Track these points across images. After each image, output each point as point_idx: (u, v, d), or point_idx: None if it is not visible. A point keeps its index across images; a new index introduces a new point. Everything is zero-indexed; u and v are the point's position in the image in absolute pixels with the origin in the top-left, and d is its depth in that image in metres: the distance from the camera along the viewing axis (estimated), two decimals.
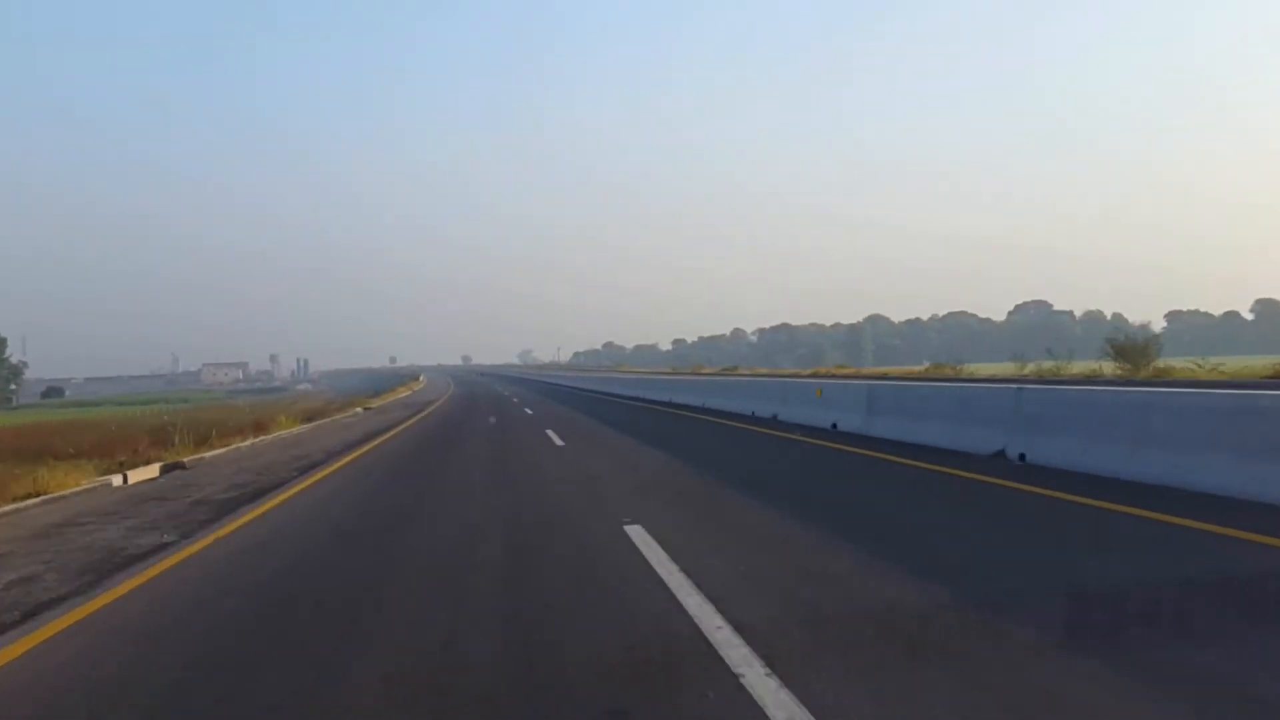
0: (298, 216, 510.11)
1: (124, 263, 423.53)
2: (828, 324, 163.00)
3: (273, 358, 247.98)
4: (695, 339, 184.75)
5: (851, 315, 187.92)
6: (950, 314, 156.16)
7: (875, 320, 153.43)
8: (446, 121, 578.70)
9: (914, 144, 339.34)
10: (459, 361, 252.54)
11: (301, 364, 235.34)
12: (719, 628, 3.67)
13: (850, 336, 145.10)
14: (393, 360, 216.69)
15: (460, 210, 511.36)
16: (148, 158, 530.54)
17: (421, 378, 75.54)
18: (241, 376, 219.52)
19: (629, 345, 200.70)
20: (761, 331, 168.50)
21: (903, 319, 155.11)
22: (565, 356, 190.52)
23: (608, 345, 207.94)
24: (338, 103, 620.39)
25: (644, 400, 29.68)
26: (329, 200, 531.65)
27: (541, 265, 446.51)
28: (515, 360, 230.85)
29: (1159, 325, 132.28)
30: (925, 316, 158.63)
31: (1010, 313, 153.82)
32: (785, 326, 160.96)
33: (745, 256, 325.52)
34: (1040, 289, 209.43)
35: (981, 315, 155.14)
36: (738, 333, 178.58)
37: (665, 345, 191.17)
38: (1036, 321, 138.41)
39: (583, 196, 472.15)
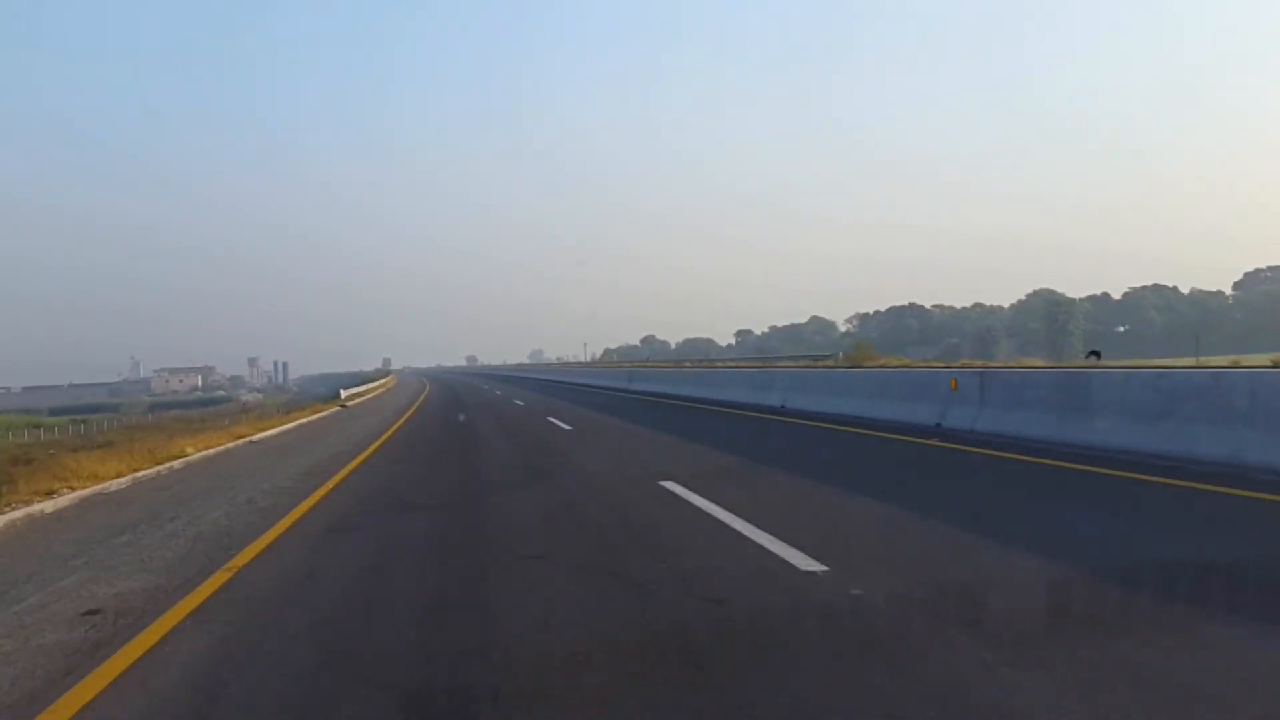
0: (291, 219, 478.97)
1: (97, 265, 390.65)
2: (959, 305, 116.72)
3: (251, 361, 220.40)
4: (765, 329, 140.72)
5: (989, 296, 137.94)
6: (1150, 286, 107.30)
7: (1040, 297, 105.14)
8: (442, 127, 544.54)
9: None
10: (463, 362, 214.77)
11: (279, 367, 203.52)
12: None
13: (1045, 314, 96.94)
14: (386, 362, 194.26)
15: (458, 214, 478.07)
16: (141, 164, 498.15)
17: (368, 388, 49.26)
18: (200, 384, 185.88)
19: (674, 340, 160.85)
20: (863, 317, 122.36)
21: (1082, 295, 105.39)
22: (596, 354, 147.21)
23: (647, 339, 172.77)
24: (331, 107, 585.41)
25: None
26: (323, 202, 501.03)
27: (547, 265, 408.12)
28: (526, 360, 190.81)
29: None
30: (1117, 293, 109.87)
31: (1238, 283, 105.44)
32: (914, 308, 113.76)
33: (805, 243, 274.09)
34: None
35: (1202, 288, 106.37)
36: (818, 320, 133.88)
37: (724, 339, 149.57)
38: None
39: (580, 197, 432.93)
